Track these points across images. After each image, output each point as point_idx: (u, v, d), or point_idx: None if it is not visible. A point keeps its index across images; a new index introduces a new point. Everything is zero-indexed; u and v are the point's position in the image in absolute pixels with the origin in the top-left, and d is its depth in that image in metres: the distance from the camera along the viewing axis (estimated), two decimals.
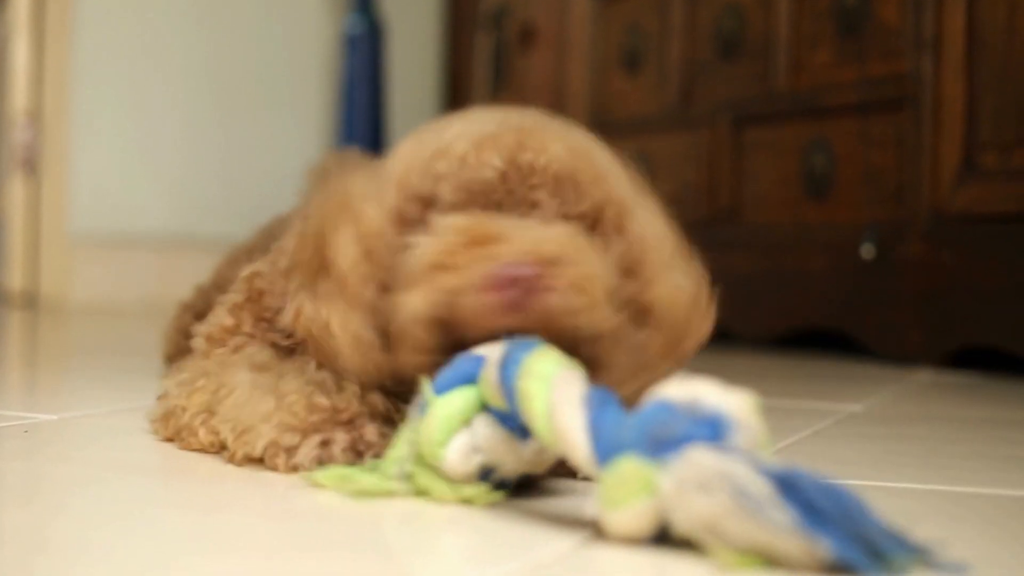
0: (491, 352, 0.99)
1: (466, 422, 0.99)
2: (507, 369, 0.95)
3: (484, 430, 0.98)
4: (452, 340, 1.04)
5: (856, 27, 2.69)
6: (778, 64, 2.90)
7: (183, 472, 1.12)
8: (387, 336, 1.10)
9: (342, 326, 1.12)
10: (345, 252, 1.13)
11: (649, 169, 3.40)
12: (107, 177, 4.04)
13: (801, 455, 1.37)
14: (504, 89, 4.03)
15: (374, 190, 1.15)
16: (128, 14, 4.08)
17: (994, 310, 2.37)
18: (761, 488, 0.79)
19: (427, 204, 1.12)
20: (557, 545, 0.89)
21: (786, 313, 2.86)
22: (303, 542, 0.92)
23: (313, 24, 4.30)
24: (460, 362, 1.01)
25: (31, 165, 4.01)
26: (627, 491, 0.84)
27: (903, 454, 1.43)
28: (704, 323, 1.20)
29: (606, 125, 3.55)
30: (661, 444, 0.83)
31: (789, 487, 0.80)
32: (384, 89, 4.13)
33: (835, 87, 2.76)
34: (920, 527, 1.02)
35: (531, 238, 1.04)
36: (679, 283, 1.17)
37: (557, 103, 3.79)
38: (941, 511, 1.10)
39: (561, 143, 1.14)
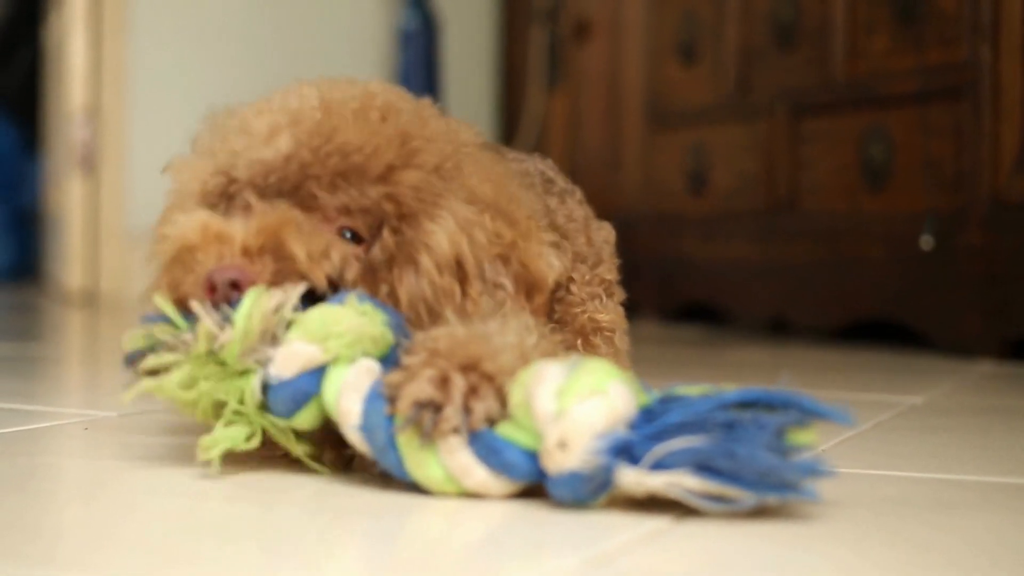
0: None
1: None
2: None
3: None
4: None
5: (913, 13, 2.67)
6: (835, 52, 2.88)
7: (243, 463, 1.12)
8: None
9: None
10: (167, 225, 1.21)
11: (707, 159, 3.38)
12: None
13: (862, 448, 1.36)
14: (560, 82, 4.03)
15: (194, 159, 1.22)
16: (186, 10, 4.10)
17: None
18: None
19: (229, 179, 1.17)
20: (620, 537, 0.89)
21: (844, 303, 2.84)
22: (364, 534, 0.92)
23: (367, 19, 4.31)
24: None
25: (89, 162, 4.03)
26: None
27: (964, 446, 1.42)
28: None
29: (663, 116, 3.54)
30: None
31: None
32: (439, 84, 4.13)
33: (892, 75, 2.74)
34: (979, 518, 1.01)
35: (242, 237, 1.10)
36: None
37: (613, 95, 3.78)
38: (1002, 504, 1.09)
39: (360, 130, 1.15)
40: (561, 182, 1.43)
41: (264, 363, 1.07)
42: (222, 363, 1.08)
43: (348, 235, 1.14)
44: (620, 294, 1.40)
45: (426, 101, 1.26)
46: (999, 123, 2.44)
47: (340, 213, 1.14)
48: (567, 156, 3.84)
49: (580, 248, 1.36)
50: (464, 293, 1.14)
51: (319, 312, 1.07)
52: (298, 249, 1.10)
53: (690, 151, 3.41)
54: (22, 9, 5.90)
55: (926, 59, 2.64)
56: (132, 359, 1.11)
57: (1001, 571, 0.86)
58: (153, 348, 1.10)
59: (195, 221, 1.13)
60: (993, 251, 2.44)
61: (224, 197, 1.17)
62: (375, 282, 1.13)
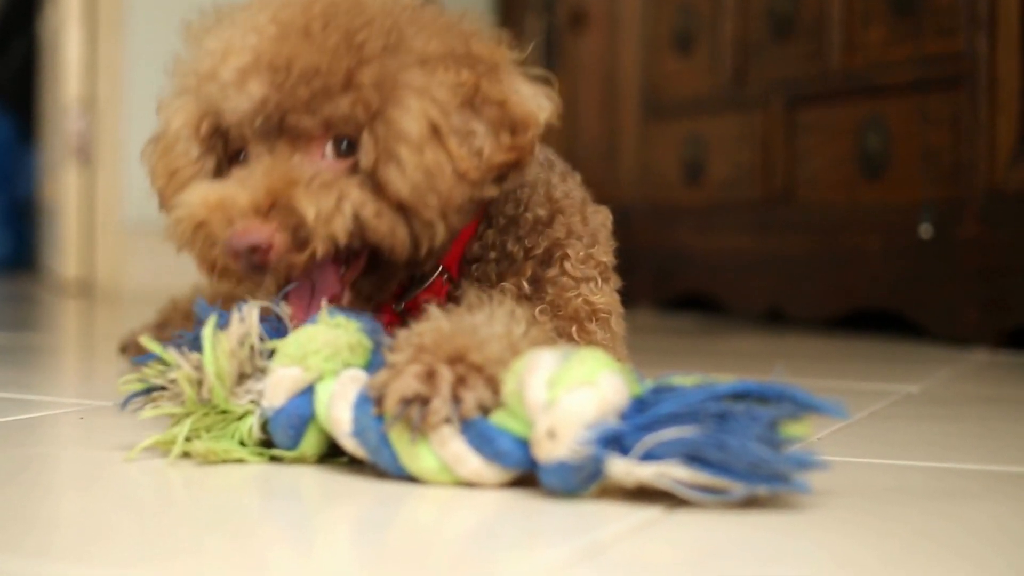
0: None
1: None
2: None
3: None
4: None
5: (910, 5, 2.66)
6: (832, 43, 2.88)
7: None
8: None
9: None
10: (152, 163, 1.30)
11: (703, 150, 3.37)
12: None
13: (857, 436, 1.36)
14: (556, 72, 4.02)
15: (178, 99, 1.28)
16: (181, 1, 4.09)
17: None
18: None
19: (217, 124, 1.23)
20: (612, 527, 0.89)
21: (841, 294, 2.84)
22: (346, 522, 0.92)
23: None
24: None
25: (85, 154, 4.03)
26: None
27: (960, 435, 1.42)
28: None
29: (659, 107, 3.53)
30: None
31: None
32: None
33: (889, 66, 2.73)
34: (978, 506, 1.01)
35: (249, 199, 1.14)
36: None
37: (609, 85, 3.78)
38: (999, 491, 1.09)
39: (312, 50, 1.18)
40: (561, 166, 1.44)
41: (259, 400, 1.09)
42: (224, 411, 1.10)
43: (344, 144, 1.19)
44: (616, 280, 1.39)
45: None
46: (995, 114, 2.44)
47: (326, 129, 1.19)
48: (563, 146, 3.83)
49: (575, 225, 1.36)
50: (448, 154, 1.17)
51: (294, 335, 1.10)
52: (308, 209, 1.13)
53: (686, 142, 3.41)
54: (17, 1, 5.89)
55: (923, 50, 2.64)
56: (128, 402, 1.16)
57: (1001, 558, 0.86)
58: (148, 391, 1.14)
59: (197, 196, 1.17)
60: (989, 242, 2.44)
61: (219, 136, 1.23)
62: (384, 191, 1.17)
